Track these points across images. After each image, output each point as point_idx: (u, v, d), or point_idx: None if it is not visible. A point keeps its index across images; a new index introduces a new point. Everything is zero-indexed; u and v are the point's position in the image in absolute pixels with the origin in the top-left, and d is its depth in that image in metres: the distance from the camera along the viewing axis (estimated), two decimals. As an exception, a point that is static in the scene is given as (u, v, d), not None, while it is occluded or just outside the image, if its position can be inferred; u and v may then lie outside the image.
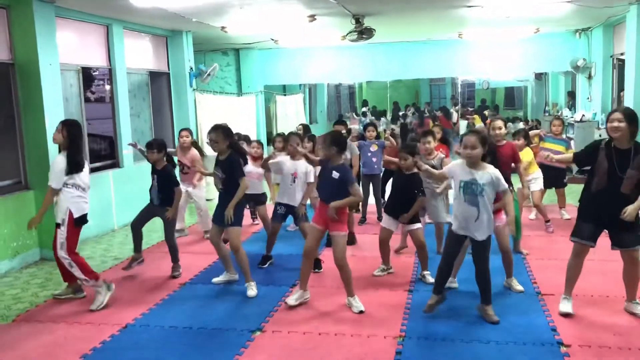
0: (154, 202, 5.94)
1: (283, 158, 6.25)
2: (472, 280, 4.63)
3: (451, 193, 5.14)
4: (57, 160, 5.04)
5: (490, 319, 4.45)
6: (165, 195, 5.86)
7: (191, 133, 7.54)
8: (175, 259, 6.05)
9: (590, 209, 4.41)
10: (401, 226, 5.70)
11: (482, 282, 4.52)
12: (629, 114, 4.22)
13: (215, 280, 5.67)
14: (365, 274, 5.71)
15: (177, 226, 7.47)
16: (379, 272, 5.74)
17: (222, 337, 4.42)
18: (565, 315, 4.52)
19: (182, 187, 7.05)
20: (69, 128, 5.07)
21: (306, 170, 6.00)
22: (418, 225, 5.51)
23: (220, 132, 5.25)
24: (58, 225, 5.07)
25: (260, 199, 7.07)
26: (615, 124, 4.17)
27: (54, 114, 6.70)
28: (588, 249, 4.51)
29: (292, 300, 4.98)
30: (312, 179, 5.98)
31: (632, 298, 4.58)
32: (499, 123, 5.83)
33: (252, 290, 5.30)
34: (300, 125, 9.16)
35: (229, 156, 5.25)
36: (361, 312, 4.76)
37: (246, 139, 7.73)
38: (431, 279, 5.31)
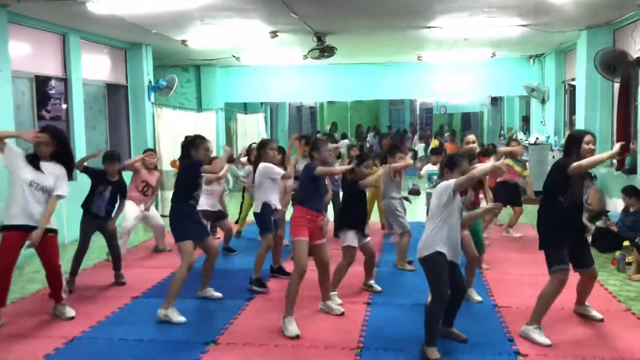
0: (98, 215, 5.75)
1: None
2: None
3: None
4: (61, 169, 4.75)
5: (460, 337, 4.29)
6: (113, 206, 5.80)
7: (156, 153, 7.39)
8: (118, 267, 5.96)
9: (563, 231, 4.31)
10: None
11: (457, 307, 4.26)
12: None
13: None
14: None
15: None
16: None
17: (173, 349, 4.25)
18: (548, 345, 4.20)
19: (137, 207, 6.90)
20: (59, 135, 4.83)
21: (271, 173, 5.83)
22: (368, 239, 5.43)
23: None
24: (55, 233, 4.81)
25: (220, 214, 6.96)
26: (592, 146, 4.26)
27: (3, 121, 6.46)
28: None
29: (296, 330, 4.47)
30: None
31: (582, 303, 4.75)
32: (472, 137, 5.93)
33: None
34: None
35: None
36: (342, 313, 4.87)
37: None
38: (379, 288, 5.53)
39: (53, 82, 8.33)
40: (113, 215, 5.87)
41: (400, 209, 6.33)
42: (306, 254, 4.65)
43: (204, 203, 6.34)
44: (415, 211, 9.22)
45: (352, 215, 5.31)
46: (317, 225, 4.78)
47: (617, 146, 4.39)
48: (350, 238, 5.23)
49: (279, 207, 5.88)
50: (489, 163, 4.51)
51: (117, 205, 5.90)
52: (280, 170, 5.78)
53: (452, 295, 4.09)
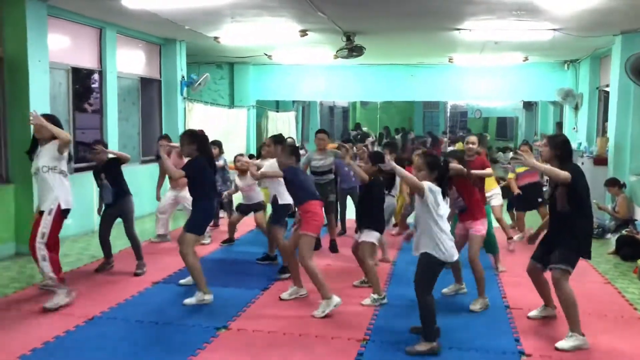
0: (108, 203, 5.97)
1: (270, 162, 6.26)
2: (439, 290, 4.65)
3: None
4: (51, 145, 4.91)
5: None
6: (118, 188, 5.95)
7: (170, 140, 7.57)
8: (139, 256, 6.08)
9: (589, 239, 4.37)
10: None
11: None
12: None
13: (182, 282, 5.68)
14: (340, 285, 5.66)
15: (161, 231, 7.51)
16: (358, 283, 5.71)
17: (186, 332, 4.41)
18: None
19: (172, 192, 7.21)
20: (53, 119, 5.04)
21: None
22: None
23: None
24: (41, 214, 4.85)
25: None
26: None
27: (39, 111, 6.68)
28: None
29: (285, 294, 5.19)
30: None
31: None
32: (473, 138, 6.00)
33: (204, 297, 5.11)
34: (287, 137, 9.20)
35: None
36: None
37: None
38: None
39: (96, 76, 8.61)
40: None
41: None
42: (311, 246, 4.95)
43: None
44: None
45: (372, 216, 5.29)
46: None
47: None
48: (372, 235, 5.22)
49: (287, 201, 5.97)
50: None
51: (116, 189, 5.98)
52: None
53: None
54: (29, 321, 4.57)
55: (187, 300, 5.03)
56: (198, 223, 5.12)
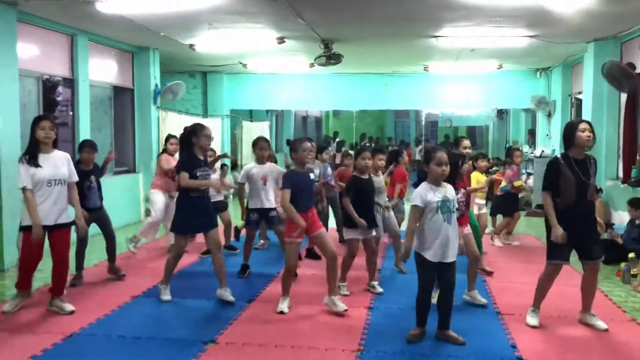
0: (95, 207, 5.78)
1: (249, 165, 6.18)
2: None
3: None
4: (67, 155, 4.93)
5: (457, 340, 4.25)
6: (101, 192, 5.88)
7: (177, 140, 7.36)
8: (113, 257, 6.04)
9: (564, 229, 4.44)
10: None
11: (448, 307, 4.27)
12: (592, 125, 4.49)
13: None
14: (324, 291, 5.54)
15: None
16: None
17: (172, 347, 4.21)
18: (533, 327, 4.58)
19: (163, 195, 7.09)
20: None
21: (275, 172, 6.08)
22: (374, 233, 5.51)
23: None
24: (69, 226, 4.94)
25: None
26: (588, 133, 4.40)
27: (9, 119, 6.49)
28: (560, 270, 4.62)
29: (285, 307, 4.94)
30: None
31: (587, 309, 4.70)
32: (467, 142, 5.96)
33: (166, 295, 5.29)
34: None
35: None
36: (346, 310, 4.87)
37: None
38: (380, 289, 5.52)
39: (60, 89, 8.33)
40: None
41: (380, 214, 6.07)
42: (296, 254, 4.98)
43: None
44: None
45: (356, 209, 5.32)
46: (309, 220, 4.85)
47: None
48: (353, 231, 5.34)
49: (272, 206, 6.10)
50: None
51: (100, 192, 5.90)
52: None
53: (440, 295, 4.30)
54: (3, 339, 4.30)
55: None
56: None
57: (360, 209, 5.31)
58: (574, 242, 4.47)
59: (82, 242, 5.78)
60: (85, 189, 5.66)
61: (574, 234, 4.42)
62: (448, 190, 4.22)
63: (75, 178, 4.96)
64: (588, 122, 4.46)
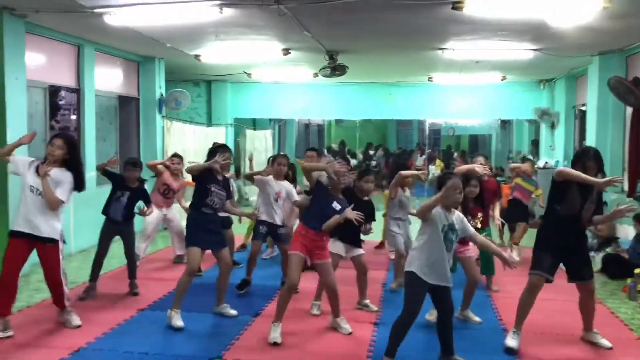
0: (115, 220, 5.81)
1: (270, 177, 6.15)
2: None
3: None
4: (67, 175, 4.72)
5: None
6: (130, 211, 5.87)
7: (182, 160, 7.38)
8: (133, 275, 5.99)
9: (552, 237, 4.48)
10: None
11: (449, 332, 4.17)
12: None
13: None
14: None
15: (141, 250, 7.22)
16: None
17: (179, 363, 4.21)
18: (510, 350, 4.46)
19: (159, 211, 6.99)
20: (72, 143, 4.87)
21: (290, 190, 6.10)
22: (361, 251, 5.42)
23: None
24: (55, 243, 4.73)
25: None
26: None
27: (16, 129, 6.49)
28: (543, 284, 4.54)
29: (278, 337, 4.59)
30: (296, 197, 6.09)
31: (589, 328, 4.70)
32: (482, 159, 5.92)
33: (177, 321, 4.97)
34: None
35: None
36: (350, 333, 4.79)
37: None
38: (375, 307, 5.47)
39: (63, 93, 8.36)
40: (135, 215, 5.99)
41: (394, 228, 6.06)
42: (299, 268, 4.70)
43: None
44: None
45: (341, 226, 4.98)
46: (314, 244, 4.73)
47: (610, 179, 4.19)
48: (336, 246, 5.24)
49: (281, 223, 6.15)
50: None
51: (137, 208, 5.91)
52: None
53: (439, 319, 4.20)
54: (11, 354, 4.30)
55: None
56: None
57: (347, 225, 4.84)
58: (561, 257, 4.49)
59: (100, 252, 5.82)
60: (114, 198, 5.82)
61: (564, 248, 4.44)
62: (456, 218, 4.13)
63: (64, 198, 4.70)
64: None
